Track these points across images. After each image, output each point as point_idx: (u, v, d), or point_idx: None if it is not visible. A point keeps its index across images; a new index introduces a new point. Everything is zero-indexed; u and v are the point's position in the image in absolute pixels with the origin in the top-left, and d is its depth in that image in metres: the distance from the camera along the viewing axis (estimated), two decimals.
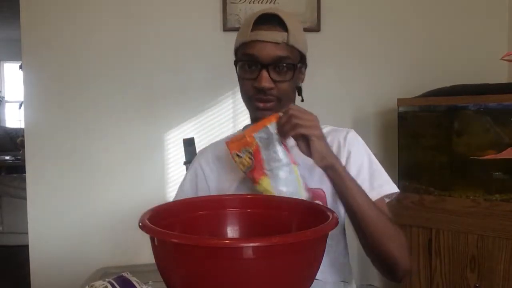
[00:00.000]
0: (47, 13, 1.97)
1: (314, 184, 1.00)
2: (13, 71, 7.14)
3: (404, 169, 1.88)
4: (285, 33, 0.99)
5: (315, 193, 0.99)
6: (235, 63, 1.06)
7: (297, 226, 0.79)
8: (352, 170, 1.00)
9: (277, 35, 0.99)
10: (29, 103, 2.01)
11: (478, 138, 1.75)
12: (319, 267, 0.69)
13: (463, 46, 2.17)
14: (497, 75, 2.04)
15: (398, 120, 1.91)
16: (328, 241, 1.02)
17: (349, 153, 1.05)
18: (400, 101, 1.89)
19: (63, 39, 1.99)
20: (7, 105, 7.50)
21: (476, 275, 1.70)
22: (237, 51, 1.06)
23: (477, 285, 1.70)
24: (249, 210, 0.81)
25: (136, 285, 0.80)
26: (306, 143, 0.88)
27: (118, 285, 0.78)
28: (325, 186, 1.00)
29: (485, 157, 1.59)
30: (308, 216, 0.76)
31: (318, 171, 0.98)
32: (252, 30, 1.00)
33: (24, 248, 2.06)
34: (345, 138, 1.07)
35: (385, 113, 2.15)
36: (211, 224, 0.83)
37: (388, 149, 2.00)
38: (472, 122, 1.76)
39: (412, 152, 1.90)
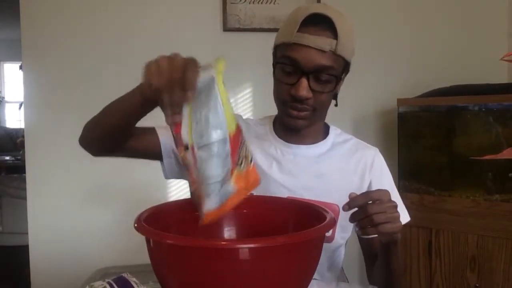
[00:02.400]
0: (47, 13, 1.97)
1: (324, 196, 0.96)
2: (13, 71, 7.15)
3: (404, 169, 1.87)
4: (334, 41, 0.90)
5: (329, 207, 0.93)
6: (274, 64, 0.98)
7: (293, 227, 0.79)
8: None
9: (324, 42, 0.89)
10: (29, 103, 2.01)
11: (478, 138, 1.74)
12: (316, 267, 0.69)
13: (463, 46, 2.16)
14: (497, 75, 2.04)
15: (398, 120, 1.90)
16: (331, 247, 1.01)
17: (371, 181, 1.04)
18: (400, 101, 1.89)
19: (63, 39, 1.98)
20: (7, 105, 7.51)
21: (476, 275, 1.69)
22: (276, 48, 0.97)
23: (477, 285, 1.69)
24: (245, 211, 0.81)
25: (135, 285, 0.80)
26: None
27: (117, 286, 0.78)
28: (339, 203, 0.93)
29: (485, 157, 1.58)
30: (304, 217, 0.76)
31: (324, 182, 0.98)
32: (298, 30, 0.90)
33: (24, 248, 2.06)
34: (372, 163, 1.05)
35: (385, 113, 2.14)
36: (207, 225, 0.82)
37: (388, 149, 1.99)
38: (472, 122, 1.75)
39: (412, 152, 1.90)
